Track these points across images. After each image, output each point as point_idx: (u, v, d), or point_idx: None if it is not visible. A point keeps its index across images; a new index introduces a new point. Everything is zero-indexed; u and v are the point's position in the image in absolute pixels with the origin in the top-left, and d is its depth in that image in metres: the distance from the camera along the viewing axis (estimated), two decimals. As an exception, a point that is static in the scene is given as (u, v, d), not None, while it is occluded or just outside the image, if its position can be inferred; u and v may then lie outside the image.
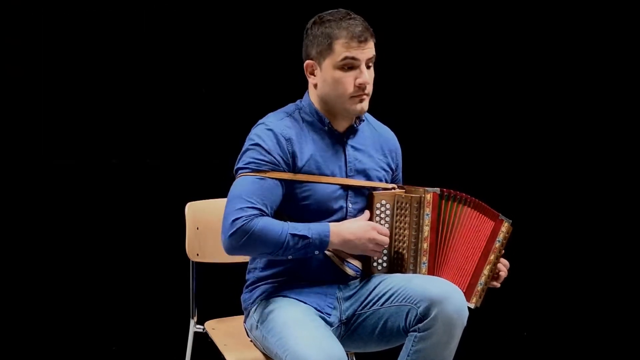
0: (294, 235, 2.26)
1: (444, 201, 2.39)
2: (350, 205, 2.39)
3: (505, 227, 2.42)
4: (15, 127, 3.44)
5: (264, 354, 2.40)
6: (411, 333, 2.27)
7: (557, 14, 3.75)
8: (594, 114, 3.83)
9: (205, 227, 2.70)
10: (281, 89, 2.78)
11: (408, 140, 2.65)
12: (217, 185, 2.63)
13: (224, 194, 2.34)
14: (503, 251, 2.44)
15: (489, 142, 3.81)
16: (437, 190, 2.39)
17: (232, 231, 2.23)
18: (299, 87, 2.46)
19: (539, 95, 3.82)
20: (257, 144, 2.32)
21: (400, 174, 2.58)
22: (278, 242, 2.25)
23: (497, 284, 2.46)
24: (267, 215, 2.27)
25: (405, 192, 2.41)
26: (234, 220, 2.23)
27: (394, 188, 2.44)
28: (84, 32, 3.43)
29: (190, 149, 3.57)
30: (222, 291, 2.85)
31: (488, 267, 2.41)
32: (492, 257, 2.41)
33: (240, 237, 2.23)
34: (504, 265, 2.46)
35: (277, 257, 2.31)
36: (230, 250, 2.27)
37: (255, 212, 2.25)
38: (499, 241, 2.42)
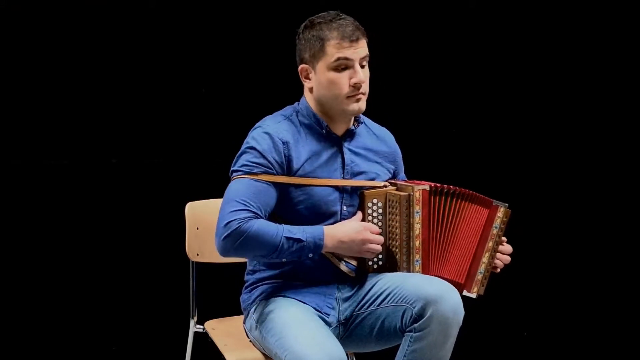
0: (288, 238, 2.26)
1: (433, 197, 2.35)
2: (344, 208, 2.38)
3: (501, 212, 2.38)
4: (15, 127, 3.43)
5: (264, 354, 2.40)
6: (407, 333, 2.26)
7: (555, 12, 3.75)
8: (590, 107, 3.81)
9: (205, 227, 2.70)
10: (280, 88, 2.78)
11: (404, 135, 2.65)
12: (217, 185, 2.63)
13: (224, 194, 2.34)
14: (503, 237, 2.41)
15: (487, 137, 3.81)
16: (427, 186, 2.35)
17: (226, 234, 2.23)
18: (298, 86, 2.45)
19: (536, 90, 3.81)
20: (252, 147, 2.31)
21: (402, 175, 2.57)
22: (272, 245, 2.25)
23: (497, 270, 2.42)
24: (262, 217, 2.27)
25: (397, 189, 2.38)
26: (227, 223, 2.23)
27: (385, 186, 2.42)
28: (84, 31, 3.43)
29: (190, 149, 3.57)
30: (222, 291, 2.85)
31: (487, 254, 2.38)
32: (490, 244, 2.38)
33: (234, 240, 2.23)
34: (506, 251, 2.43)
35: (271, 260, 2.31)
36: (224, 252, 2.26)
37: (250, 214, 2.24)
38: (496, 227, 2.38)
